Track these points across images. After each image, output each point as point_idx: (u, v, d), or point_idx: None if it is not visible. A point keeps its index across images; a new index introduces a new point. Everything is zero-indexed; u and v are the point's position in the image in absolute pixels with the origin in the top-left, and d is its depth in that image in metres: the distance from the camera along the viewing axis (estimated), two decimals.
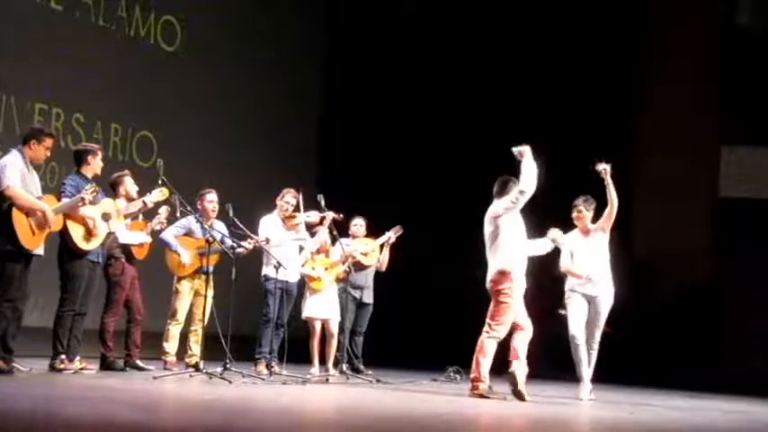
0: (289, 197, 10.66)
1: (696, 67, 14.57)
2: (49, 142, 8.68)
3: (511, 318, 8.78)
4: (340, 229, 11.03)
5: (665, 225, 9.30)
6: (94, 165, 9.25)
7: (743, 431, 7.79)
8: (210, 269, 10.10)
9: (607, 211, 9.72)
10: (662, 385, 9.43)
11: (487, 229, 9.00)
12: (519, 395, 8.58)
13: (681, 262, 9.64)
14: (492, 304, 8.83)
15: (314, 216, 10.74)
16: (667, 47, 14.81)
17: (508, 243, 8.86)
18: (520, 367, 8.66)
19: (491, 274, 8.90)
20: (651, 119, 14.62)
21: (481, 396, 8.62)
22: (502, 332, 8.75)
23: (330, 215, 10.69)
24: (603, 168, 9.54)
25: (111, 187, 9.84)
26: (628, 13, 14.89)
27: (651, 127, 14.35)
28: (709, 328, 14.03)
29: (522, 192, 8.81)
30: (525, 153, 8.87)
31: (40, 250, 8.54)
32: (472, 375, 8.79)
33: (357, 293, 11.60)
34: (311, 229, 10.97)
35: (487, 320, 8.80)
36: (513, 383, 8.60)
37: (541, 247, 9.41)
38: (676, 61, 14.72)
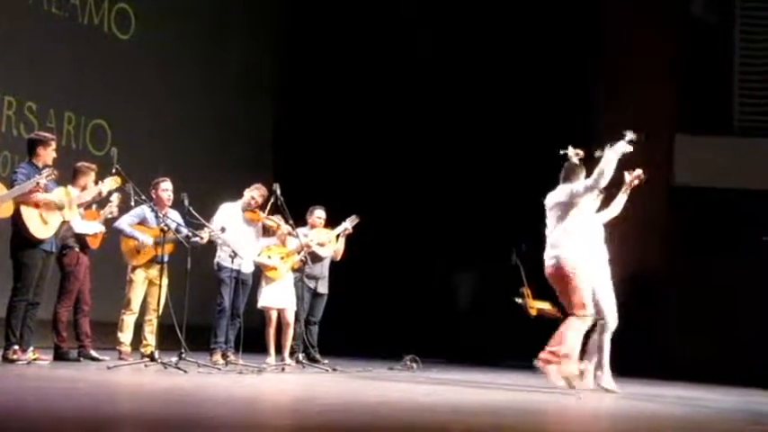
0: (257, 193, 10.66)
1: (651, 57, 14.67)
2: None
3: (588, 297, 8.66)
4: (296, 219, 11.00)
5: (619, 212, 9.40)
6: (47, 155, 9.15)
7: (698, 418, 7.86)
8: (165, 258, 10.02)
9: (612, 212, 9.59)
10: (614, 372, 9.48)
11: (554, 213, 8.77)
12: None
13: (634, 249, 9.70)
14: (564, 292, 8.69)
15: (274, 221, 10.72)
16: (623, 37, 14.90)
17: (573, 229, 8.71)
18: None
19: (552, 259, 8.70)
20: (607, 107, 14.70)
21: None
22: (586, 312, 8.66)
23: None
24: (638, 176, 9.43)
25: (73, 174, 9.77)
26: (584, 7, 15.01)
27: (607, 115, 14.42)
28: (662, 315, 14.17)
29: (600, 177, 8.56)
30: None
31: None
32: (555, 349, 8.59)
33: (312, 284, 11.55)
34: (267, 232, 10.96)
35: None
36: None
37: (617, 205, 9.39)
38: (631, 52, 14.80)
